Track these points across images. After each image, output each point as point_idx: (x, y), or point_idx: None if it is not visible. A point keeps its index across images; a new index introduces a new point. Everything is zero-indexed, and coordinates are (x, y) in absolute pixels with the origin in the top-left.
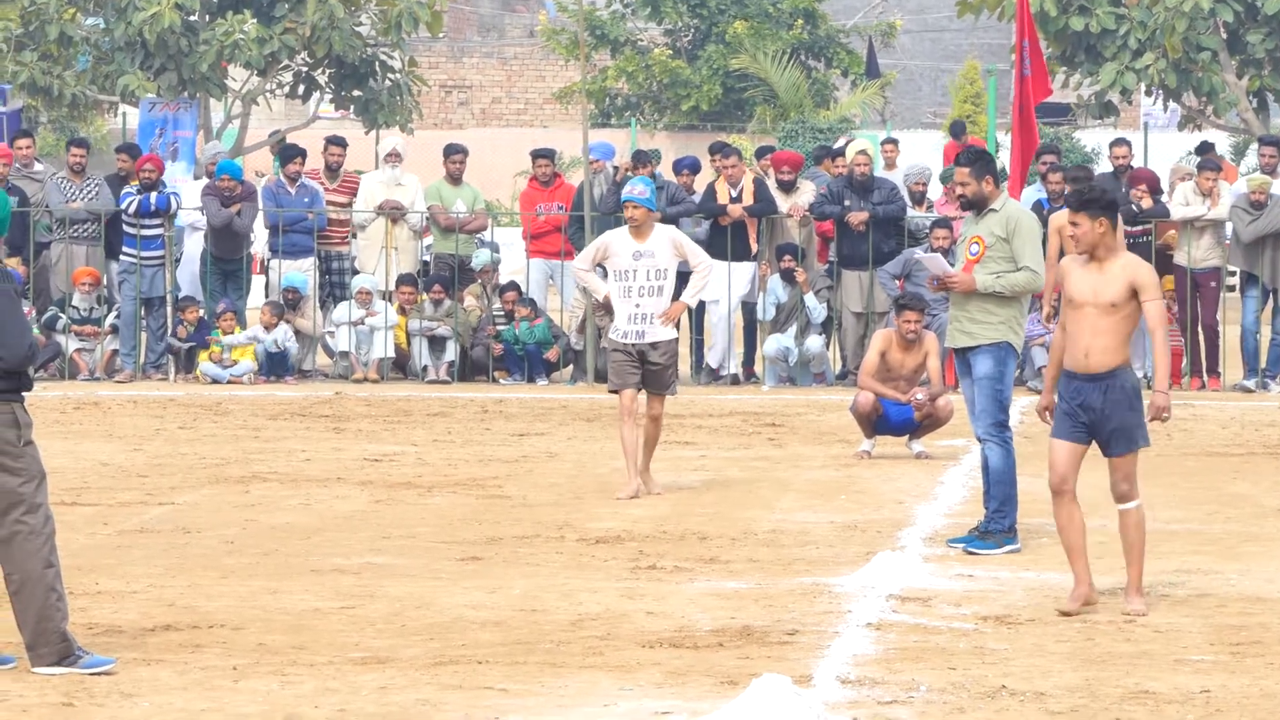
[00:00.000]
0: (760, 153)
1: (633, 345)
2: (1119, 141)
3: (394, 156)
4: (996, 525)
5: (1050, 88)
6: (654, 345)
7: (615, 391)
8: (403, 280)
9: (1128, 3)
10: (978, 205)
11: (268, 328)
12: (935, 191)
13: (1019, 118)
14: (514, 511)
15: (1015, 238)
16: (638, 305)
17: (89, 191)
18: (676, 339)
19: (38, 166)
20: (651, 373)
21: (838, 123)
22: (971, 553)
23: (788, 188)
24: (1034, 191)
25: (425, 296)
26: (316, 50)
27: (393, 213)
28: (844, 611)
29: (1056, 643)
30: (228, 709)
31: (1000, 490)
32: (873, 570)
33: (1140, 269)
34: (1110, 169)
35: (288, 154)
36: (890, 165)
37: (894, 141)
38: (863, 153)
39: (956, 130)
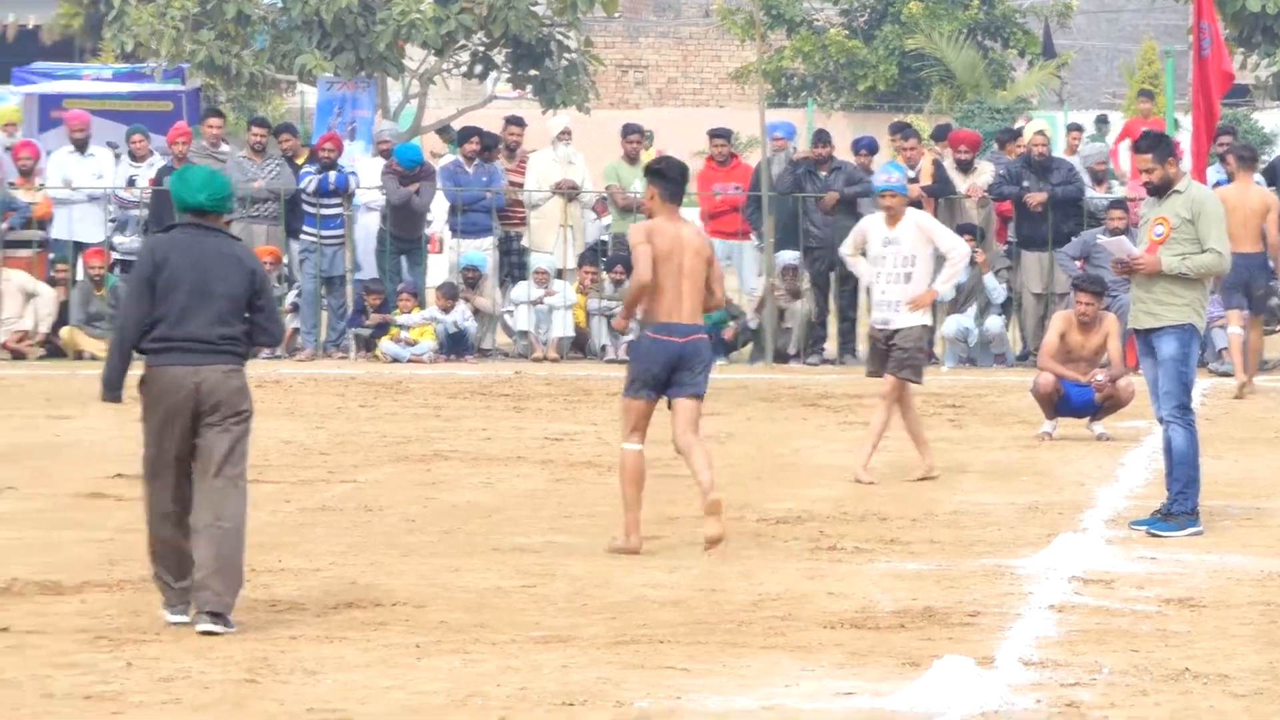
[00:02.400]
0: (938, 133)
1: (878, 330)
2: None
3: (565, 135)
4: (1179, 507)
5: (1231, 72)
6: (896, 331)
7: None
8: (585, 259)
9: None
10: (1163, 189)
11: (445, 310)
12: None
13: (1199, 100)
14: (692, 491)
15: (1200, 219)
16: (883, 292)
17: (270, 171)
18: (922, 325)
19: (224, 147)
20: (892, 357)
21: (1015, 103)
22: (1154, 535)
23: (966, 168)
24: (1214, 173)
25: (606, 276)
26: (493, 30)
27: (570, 192)
28: (1025, 593)
29: (1239, 625)
30: (410, 686)
31: (1183, 472)
32: (1054, 552)
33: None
34: None
35: (465, 134)
36: (1071, 150)
37: (1079, 129)
38: (1041, 133)
39: (1145, 93)
